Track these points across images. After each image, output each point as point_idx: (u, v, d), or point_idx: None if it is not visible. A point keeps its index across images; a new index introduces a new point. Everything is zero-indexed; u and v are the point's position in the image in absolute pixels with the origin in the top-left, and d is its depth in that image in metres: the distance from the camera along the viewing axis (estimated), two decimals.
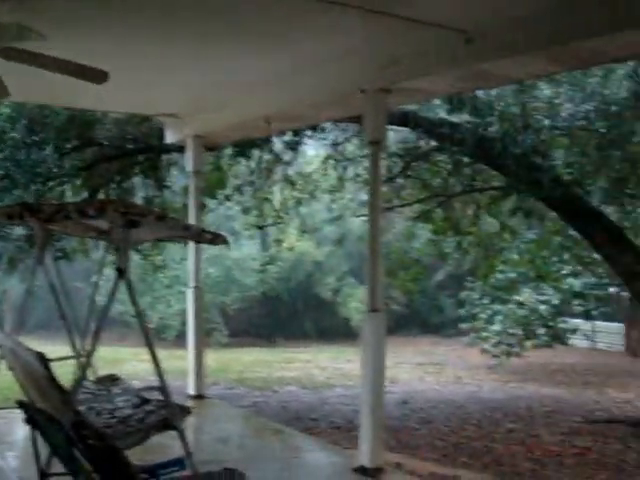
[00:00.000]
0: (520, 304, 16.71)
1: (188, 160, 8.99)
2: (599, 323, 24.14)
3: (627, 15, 4.37)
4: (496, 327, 16.87)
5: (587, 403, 13.77)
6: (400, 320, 30.27)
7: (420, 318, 31.41)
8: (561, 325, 17.06)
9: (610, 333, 24.21)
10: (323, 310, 30.18)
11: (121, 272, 4.20)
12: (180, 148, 9.71)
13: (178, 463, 4.13)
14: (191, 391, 9.09)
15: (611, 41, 4.71)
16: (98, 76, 4.98)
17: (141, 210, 4.43)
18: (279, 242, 14.38)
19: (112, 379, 5.36)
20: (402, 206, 13.70)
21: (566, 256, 16.06)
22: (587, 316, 18.00)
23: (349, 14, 5.01)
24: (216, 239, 4.79)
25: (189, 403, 8.44)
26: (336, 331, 28.98)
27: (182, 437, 4.46)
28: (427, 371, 18.80)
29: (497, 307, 17.28)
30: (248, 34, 5.64)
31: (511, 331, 16.56)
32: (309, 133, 12.30)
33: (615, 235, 11.48)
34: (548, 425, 11.30)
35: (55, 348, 5.73)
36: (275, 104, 7.37)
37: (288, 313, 30.17)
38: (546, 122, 11.81)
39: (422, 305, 31.04)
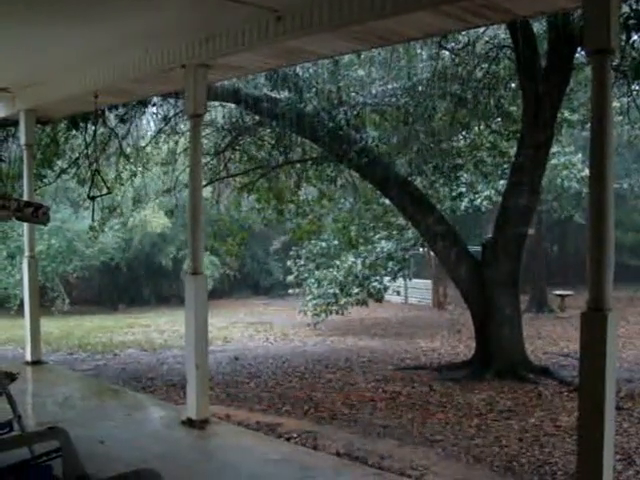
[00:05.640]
0: (339, 267, 17.25)
1: (21, 133, 8.76)
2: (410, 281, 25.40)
3: None
4: (317, 290, 17.33)
5: (399, 352, 14.41)
6: (234, 284, 30.47)
7: (252, 281, 31.73)
8: (374, 284, 17.67)
9: (420, 289, 25.50)
10: (164, 277, 29.73)
11: None
12: (15, 122, 9.35)
13: (6, 425, 4.00)
14: (28, 357, 8.79)
15: (403, 21, 4.87)
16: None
17: None
18: (111, 212, 13.89)
19: None
20: (229, 177, 13.69)
21: (379, 223, 16.73)
22: (395, 276, 18.75)
23: None
24: (38, 211, 4.62)
25: (26, 369, 8.34)
26: (175, 297, 28.62)
27: (10, 400, 4.53)
28: (258, 330, 19.01)
29: (321, 273, 17.74)
30: (73, 7, 5.34)
31: (331, 291, 17.07)
32: (142, 109, 12.00)
33: (419, 201, 12.06)
34: (364, 374, 11.74)
35: None
36: (102, 78, 7.10)
37: (129, 281, 29.51)
38: (360, 99, 12.19)
39: (254, 269, 31.37)
